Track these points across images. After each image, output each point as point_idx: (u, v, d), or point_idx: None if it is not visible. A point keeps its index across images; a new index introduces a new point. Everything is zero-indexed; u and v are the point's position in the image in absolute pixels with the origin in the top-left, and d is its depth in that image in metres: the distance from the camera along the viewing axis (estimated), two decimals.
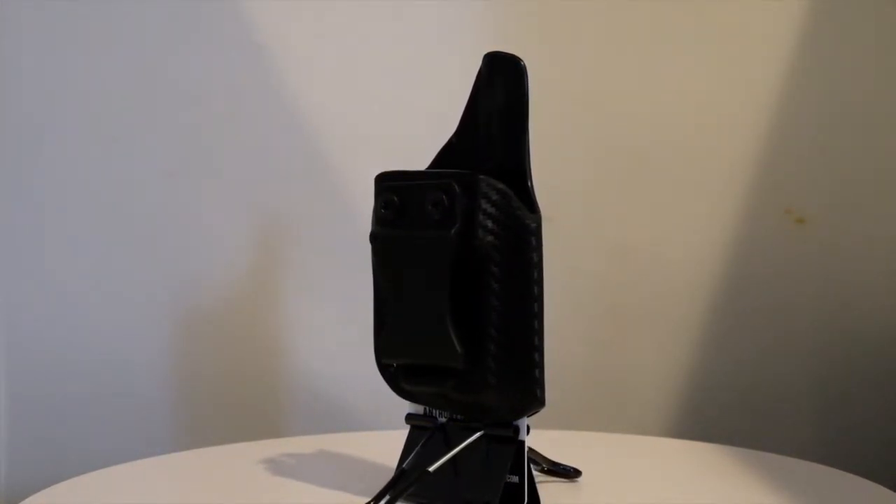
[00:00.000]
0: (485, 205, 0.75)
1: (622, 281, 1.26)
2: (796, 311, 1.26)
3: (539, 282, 0.75)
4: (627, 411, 1.26)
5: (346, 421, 1.22)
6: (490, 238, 0.76)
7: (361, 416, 1.22)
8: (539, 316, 0.75)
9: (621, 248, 1.26)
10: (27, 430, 1.20)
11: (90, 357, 1.20)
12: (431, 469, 0.77)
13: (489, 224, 0.76)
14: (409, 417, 0.82)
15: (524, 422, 0.76)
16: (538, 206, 0.76)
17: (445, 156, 0.80)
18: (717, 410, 1.26)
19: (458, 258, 0.76)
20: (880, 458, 1.23)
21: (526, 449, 0.76)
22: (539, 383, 0.75)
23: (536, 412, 0.76)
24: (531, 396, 0.75)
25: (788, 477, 0.90)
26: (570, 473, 0.87)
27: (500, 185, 0.76)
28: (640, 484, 0.89)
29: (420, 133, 1.22)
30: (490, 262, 0.76)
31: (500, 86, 0.77)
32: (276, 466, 0.92)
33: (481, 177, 0.76)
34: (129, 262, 1.21)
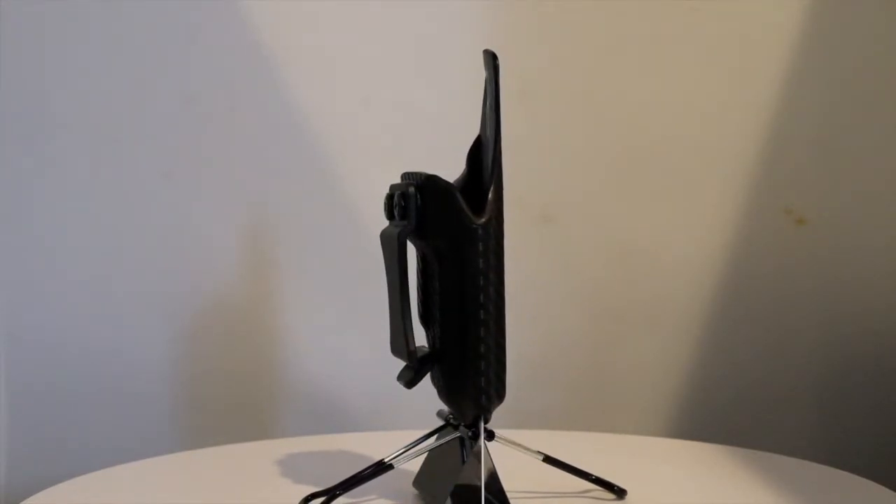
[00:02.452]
0: (435, 206, 0.76)
1: (622, 281, 1.26)
2: (796, 311, 1.26)
3: (485, 288, 0.75)
4: (627, 411, 1.26)
5: (345, 421, 1.22)
6: (439, 240, 0.76)
7: (361, 416, 1.22)
8: (486, 323, 0.75)
9: (621, 249, 1.26)
10: (27, 430, 1.20)
11: (90, 357, 1.20)
12: (396, 463, 0.80)
13: (438, 225, 0.76)
14: (439, 413, 0.83)
15: (480, 426, 0.76)
16: (490, 209, 0.75)
17: (473, 152, 0.81)
18: (717, 410, 1.26)
19: (419, 258, 0.77)
20: (880, 458, 1.23)
21: (482, 453, 0.76)
22: (483, 391, 0.75)
23: (484, 419, 0.76)
24: (476, 404, 0.75)
25: (788, 477, 0.90)
26: (613, 489, 0.84)
27: (448, 186, 0.76)
28: (640, 484, 0.88)
29: (421, 133, 1.22)
30: (443, 263, 0.76)
31: (488, 82, 0.78)
32: (276, 466, 0.93)
33: (433, 179, 0.76)
34: (129, 262, 1.21)
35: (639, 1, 1.24)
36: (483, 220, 0.75)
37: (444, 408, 0.82)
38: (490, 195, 0.76)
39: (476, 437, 0.76)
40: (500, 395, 0.77)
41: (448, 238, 0.76)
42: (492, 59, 0.76)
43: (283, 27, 1.22)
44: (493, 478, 0.77)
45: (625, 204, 1.26)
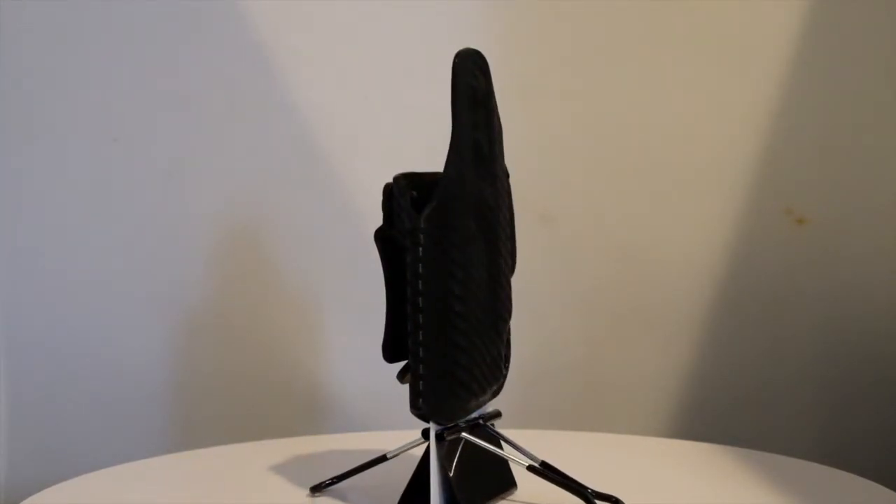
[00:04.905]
0: (396, 206, 0.77)
1: (622, 281, 1.26)
2: (796, 311, 1.26)
3: (425, 293, 0.75)
4: (627, 411, 1.26)
5: (345, 421, 1.22)
6: (400, 239, 0.77)
7: (361, 416, 1.22)
8: (424, 327, 0.75)
9: (621, 249, 1.26)
10: (27, 430, 1.20)
11: (90, 358, 1.20)
12: (389, 455, 0.82)
13: (399, 227, 0.77)
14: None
15: (431, 431, 0.77)
16: (433, 211, 0.75)
17: None
18: (717, 410, 1.26)
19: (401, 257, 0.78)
20: (880, 458, 1.23)
21: (432, 454, 0.76)
22: (419, 393, 0.76)
23: (436, 422, 0.76)
24: (414, 405, 0.76)
25: (788, 477, 0.90)
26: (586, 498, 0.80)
27: (400, 188, 0.77)
28: (640, 484, 0.88)
29: (421, 133, 1.22)
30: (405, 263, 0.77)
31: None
32: (276, 466, 0.92)
33: (396, 179, 0.77)
34: (129, 263, 1.21)
35: (639, 1, 1.24)
36: (420, 222, 0.75)
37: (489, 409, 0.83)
38: (435, 198, 0.76)
39: (436, 438, 0.77)
40: (457, 399, 0.77)
41: (404, 238, 0.77)
42: (453, 59, 0.76)
43: (283, 27, 1.22)
44: (446, 482, 0.77)
45: (625, 204, 1.25)
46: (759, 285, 1.26)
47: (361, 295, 1.19)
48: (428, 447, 0.77)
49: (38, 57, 1.19)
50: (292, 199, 1.23)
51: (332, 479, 0.85)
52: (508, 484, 0.83)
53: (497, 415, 0.83)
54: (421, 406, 0.75)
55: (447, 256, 0.76)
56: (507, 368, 0.83)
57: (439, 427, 0.77)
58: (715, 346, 1.26)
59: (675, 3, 1.24)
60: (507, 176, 0.82)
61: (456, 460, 0.78)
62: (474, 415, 0.80)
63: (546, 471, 0.79)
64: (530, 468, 0.79)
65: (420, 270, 0.75)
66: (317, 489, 0.84)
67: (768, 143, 1.25)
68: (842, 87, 1.25)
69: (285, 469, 0.92)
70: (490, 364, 0.79)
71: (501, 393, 0.83)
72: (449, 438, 0.77)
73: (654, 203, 1.26)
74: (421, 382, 0.75)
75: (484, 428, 0.81)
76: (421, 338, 0.75)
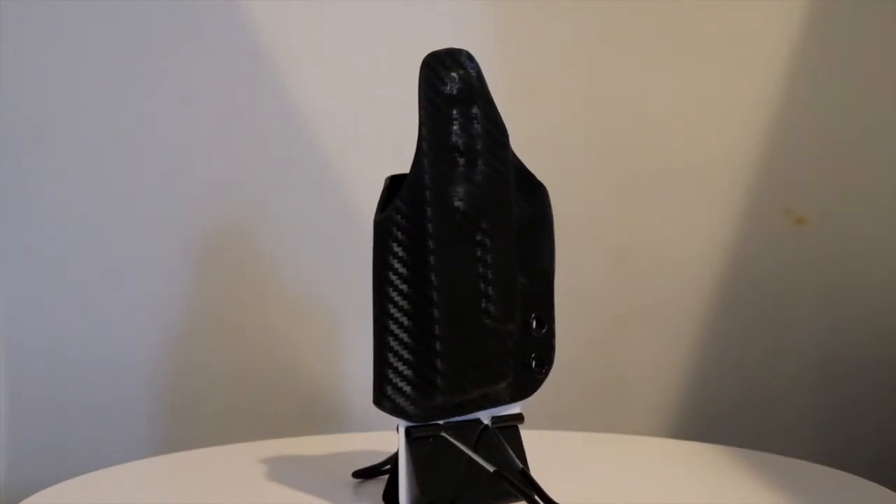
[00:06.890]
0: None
1: (622, 281, 1.26)
2: (796, 311, 1.26)
3: (383, 288, 0.75)
4: (628, 411, 1.26)
5: (345, 421, 1.22)
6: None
7: (361, 416, 1.22)
8: (390, 329, 0.75)
9: (622, 249, 1.26)
10: (27, 430, 1.20)
11: (90, 358, 1.20)
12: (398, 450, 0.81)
13: None
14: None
15: (400, 425, 0.77)
16: (395, 208, 0.76)
17: None
18: (718, 411, 1.26)
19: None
20: (880, 458, 1.23)
21: (401, 452, 0.77)
22: (383, 393, 0.76)
23: (398, 416, 0.77)
24: (376, 399, 0.76)
25: (788, 477, 0.90)
26: None
27: (384, 187, 0.77)
28: (641, 484, 0.88)
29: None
30: None
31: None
32: (275, 466, 0.92)
33: (385, 179, 0.78)
34: (129, 262, 1.21)
35: (639, 1, 1.24)
36: (381, 223, 0.75)
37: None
38: (398, 200, 0.76)
39: (407, 435, 0.77)
40: (427, 399, 0.77)
41: None
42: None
43: (283, 27, 1.22)
44: (413, 478, 0.77)
45: (624, 204, 1.26)
46: (758, 285, 1.26)
47: (362, 294, 1.19)
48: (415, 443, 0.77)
49: (38, 57, 1.19)
50: (292, 198, 1.23)
51: (375, 465, 0.85)
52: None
53: (517, 418, 0.82)
54: (384, 405, 0.76)
55: (413, 258, 0.75)
56: (542, 371, 0.82)
57: (409, 424, 0.77)
58: (715, 346, 1.26)
59: (675, 3, 1.24)
60: (524, 176, 0.82)
61: (467, 458, 0.77)
62: (479, 414, 0.80)
63: (513, 479, 0.77)
64: (496, 473, 0.77)
65: (384, 273, 0.75)
66: (359, 475, 0.86)
67: (768, 143, 1.25)
68: (842, 87, 1.25)
69: (284, 469, 0.92)
70: (480, 365, 0.78)
71: None
72: (416, 436, 0.77)
73: (653, 203, 1.26)
74: (388, 386, 0.75)
75: (488, 430, 0.80)
76: (387, 339, 0.75)
